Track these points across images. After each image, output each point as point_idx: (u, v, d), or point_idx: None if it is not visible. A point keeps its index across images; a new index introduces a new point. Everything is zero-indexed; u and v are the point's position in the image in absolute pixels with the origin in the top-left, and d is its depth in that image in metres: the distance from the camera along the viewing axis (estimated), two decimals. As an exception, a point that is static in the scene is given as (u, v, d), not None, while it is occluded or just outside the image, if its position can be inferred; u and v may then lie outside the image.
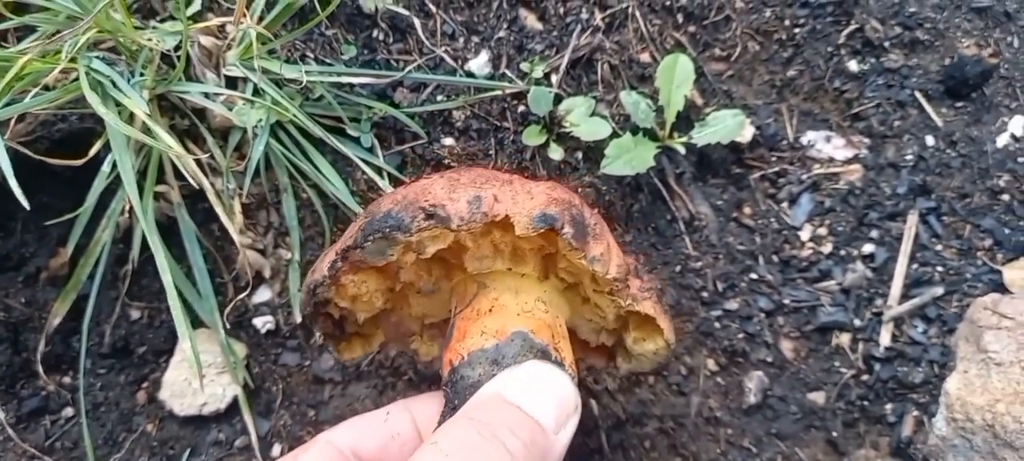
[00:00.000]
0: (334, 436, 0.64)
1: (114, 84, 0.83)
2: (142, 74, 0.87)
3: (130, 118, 0.85)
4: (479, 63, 1.01)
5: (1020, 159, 1.02)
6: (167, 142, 0.79)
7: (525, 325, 0.64)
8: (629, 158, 0.96)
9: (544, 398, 0.58)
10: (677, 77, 1.00)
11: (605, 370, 0.82)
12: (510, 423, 0.55)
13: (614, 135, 0.98)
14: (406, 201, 0.61)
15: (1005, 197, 1.00)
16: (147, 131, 0.83)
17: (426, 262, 0.69)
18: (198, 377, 0.80)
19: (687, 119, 1.03)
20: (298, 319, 0.94)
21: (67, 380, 0.95)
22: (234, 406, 0.92)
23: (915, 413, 0.92)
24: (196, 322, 0.92)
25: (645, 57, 1.04)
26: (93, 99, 0.79)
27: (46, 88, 0.86)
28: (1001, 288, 0.95)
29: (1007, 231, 0.98)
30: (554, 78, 1.01)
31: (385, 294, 0.71)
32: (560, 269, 0.69)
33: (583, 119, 0.98)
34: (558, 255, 0.67)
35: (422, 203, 0.60)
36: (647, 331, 0.72)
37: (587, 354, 0.82)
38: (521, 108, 1.00)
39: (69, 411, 0.94)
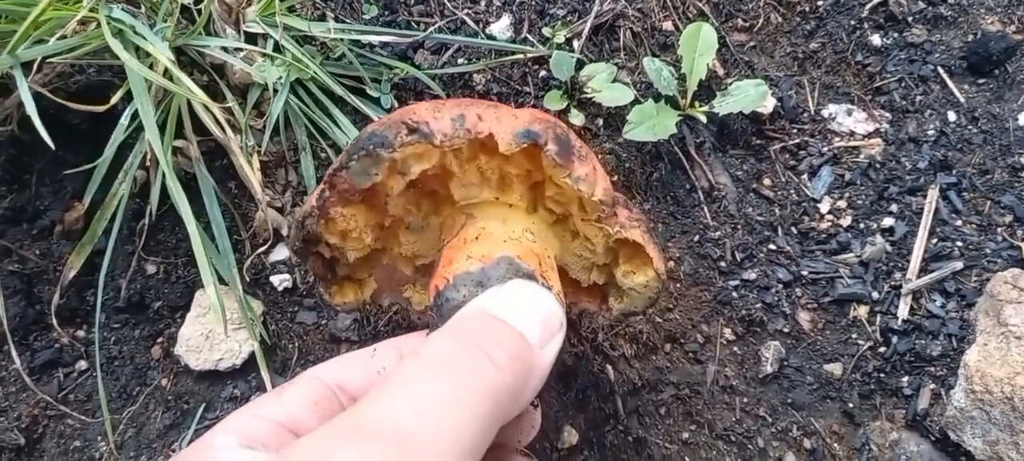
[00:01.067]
0: (320, 371, 0.63)
1: (136, 31, 0.83)
2: (164, 25, 0.86)
3: (151, 67, 0.84)
4: (501, 27, 1.00)
5: (1041, 137, 1.02)
6: (190, 87, 0.79)
7: (512, 250, 0.64)
8: (651, 125, 0.95)
9: (528, 314, 0.57)
10: (700, 46, 0.99)
11: (598, 313, 0.81)
12: (494, 335, 0.54)
13: (636, 102, 0.97)
14: (391, 120, 0.61)
15: (1026, 174, 1.00)
16: (170, 80, 0.82)
17: (414, 195, 0.69)
18: (223, 322, 0.79)
19: (709, 88, 1.02)
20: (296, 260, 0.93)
21: (81, 333, 0.94)
22: (250, 362, 0.92)
23: (932, 386, 0.92)
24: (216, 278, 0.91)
25: (668, 25, 1.03)
26: (115, 45, 0.78)
27: (65, 38, 0.85)
28: (1020, 263, 0.94)
29: (1027, 208, 0.98)
30: (576, 44, 1.00)
31: (375, 230, 0.70)
32: (548, 198, 0.68)
33: (605, 85, 0.97)
34: (546, 182, 0.67)
35: (406, 119, 0.60)
36: (637, 263, 0.71)
37: (579, 297, 0.81)
38: (542, 73, 0.99)
39: (83, 364, 0.93)
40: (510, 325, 0.56)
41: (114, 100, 0.83)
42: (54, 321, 0.92)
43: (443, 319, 0.59)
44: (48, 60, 0.86)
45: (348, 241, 0.70)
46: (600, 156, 0.99)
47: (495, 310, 0.57)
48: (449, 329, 0.55)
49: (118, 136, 0.90)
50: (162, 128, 0.89)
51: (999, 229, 0.97)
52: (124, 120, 0.89)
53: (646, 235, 0.68)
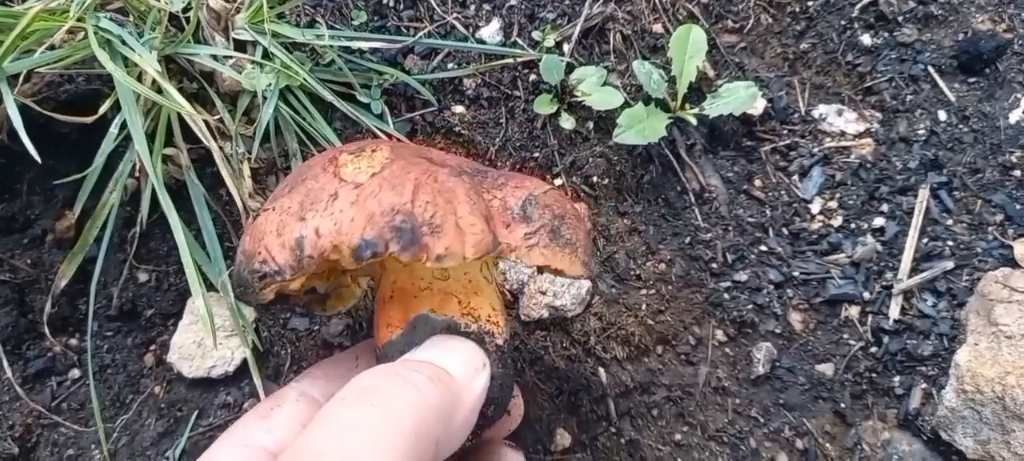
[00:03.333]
0: (307, 388, 0.64)
1: (123, 42, 0.82)
2: (152, 34, 0.86)
3: (139, 77, 0.84)
4: (490, 31, 1.00)
5: (1032, 135, 1.02)
6: (177, 100, 0.79)
7: (425, 305, 0.63)
8: (641, 128, 0.95)
9: (447, 354, 0.60)
10: (690, 48, 0.99)
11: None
12: (413, 366, 0.57)
13: (626, 105, 0.97)
14: (247, 253, 0.59)
15: (1017, 173, 1.00)
16: (157, 91, 0.82)
17: (326, 268, 0.65)
18: (211, 333, 0.79)
19: (699, 91, 1.02)
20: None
21: (74, 342, 0.94)
22: (243, 369, 0.92)
23: (923, 386, 0.92)
24: (205, 285, 0.91)
25: (658, 27, 1.03)
26: (102, 56, 0.78)
27: (53, 48, 0.85)
28: (1011, 263, 0.95)
29: (1018, 207, 0.98)
30: (566, 47, 1.00)
31: (320, 278, 0.70)
32: None
33: (595, 88, 0.97)
34: None
35: (256, 259, 0.57)
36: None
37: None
38: (532, 77, 0.99)
39: (76, 372, 0.93)
40: (427, 361, 0.59)
41: (102, 110, 0.83)
42: (46, 330, 0.92)
43: None
44: (36, 70, 0.86)
45: (301, 288, 0.69)
46: (590, 160, 0.99)
47: (414, 354, 0.61)
48: (373, 369, 0.58)
49: (108, 145, 0.89)
50: (152, 137, 0.89)
51: (990, 228, 0.98)
52: (114, 129, 0.89)
53: (548, 249, 0.63)
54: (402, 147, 0.65)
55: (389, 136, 0.96)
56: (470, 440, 0.64)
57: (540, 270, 0.77)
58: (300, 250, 0.56)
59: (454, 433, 0.57)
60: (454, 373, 0.59)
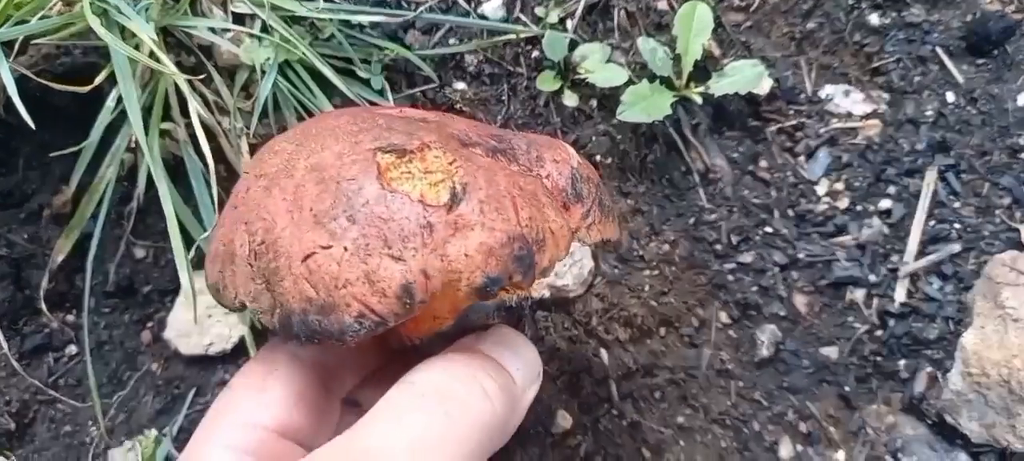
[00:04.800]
0: (296, 348, 0.62)
1: (119, 11, 0.81)
2: (147, 5, 0.85)
3: (136, 48, 0.83)
4: (493, 6, 0.99)
5: (1041, 118, 1.00)
6: (174, 71, 0.77)
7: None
8: (645, 106, 0.94)
9: (515, 357, 0.59)
10: (695, 26, 0.98)
11: None
12: (486, 369, 0.55)
13: (630, 83, 0.96)
14: (321, 301, 0.50)
15: (1025, 156, 0.99)
16: (154, 61, 0.81)
17: None
18: (193, 313, 0.78)
19: (704, 69, 1.01)
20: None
21: (71, 318, 0.93)
22: (240, 347, 0.91)
23: (929, 369, 0.91)
24: (203, 261, 0.90)
25: (663, 4, 1.02)
26: (97, 24, 0.77)
27: (47, 18, 0.84)
28: (1019, 246, 0.93)
29: (1026, 190, 0.97)
30: (569, 23, 0.99)
31: None
32: None
33: (599, 65, 0.96)
34: None
35: (346, 313, 0.49)
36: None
37: None
38: (535, 53, 0.98)
39: (73, 349, 0.93)
40: (498, 362, 0.57)
41: (97, 81, 0.82)
42: (43, 306, 0.91)
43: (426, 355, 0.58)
44: (33, 41, 0.85)
45: None
46: (593, 139, 0.97)
47: (485, 349, 0.58)
48: (442, 358, 0.56)
49: (104, 118, 0.88)
50: (148, 110, 0.88)
51: (998, 211, 0.96)
52: (110, 102, 0.88)
53: (602, 223, 0.61)
54: (426, 127, 0.59)
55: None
56: None
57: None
58: (409, 297, 0.49)
59: (506, 435, 0.57)
60: (516, 380, 0.58)
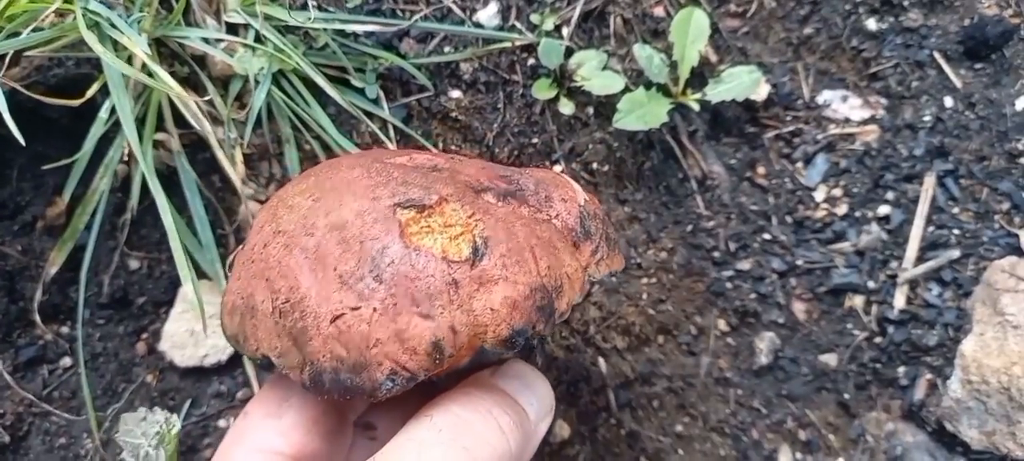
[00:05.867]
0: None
1: (112, 24, 0.81)
2: (141, 14, 0.84)
3: (129, 60, 0.82)
4: (488, 14, 0.98)
5: (1040, 122, 1.00)
6: (167, 82, 0.77)
7: None
8: (642, 113, 0.93)
9: (529, 392, 0.60)
10: (692, 32, 0.97)
11: None
12: (501, 404, 0.57)
13: (626, 90, 0.95)
14: (352, 361, 0.50)
15: (1023, 160, 0.98)
16: (147, 74, 0.81)
17: None
18: (201, 320, 0.78)
19: (701, 76, 1.00)
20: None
21: (65, 330, 0.93)
22: (236, 358, 0.91)
23: (928, 376, 0.90)
24: (197, 273, 0.89)
25: (659, 11, 1.01)
26: (90, 38, 0.76)
27: (39, 30, 0.83)
28: (1018, 251, 0.93)
29: (1025, 195, 0.96)
30: (565, 31, 0.98)
31: None
32: None
33: (595, 73, 0.95)
34: None
35: (378, 371, 0.50)
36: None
37: None
38: (531, 61, 0.97)
39: (67, 360, 0.92)
40: (513, 398, 0.58)
41: (90, 93, 0.82)
42: (37, 318, 0.91)
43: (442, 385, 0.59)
44: (25, 53, 0.84)
45: None
46: (590, 147, 0.97)
47: (501, 384, 0.59)
48: (458, 392, 0.57)
49: (97, 130, 0.88)
50: (142, 121, 0.87)
51: (996, 216, 0.96)
52: (103, 113, 0.87)
53: (609, 257, 0.63)
54: (440, 178, 0.60)
55: (384, 123, 0.95)
56: None
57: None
58: (439, 354, 0.51)
59: None
60: (530, 415, 0.59)
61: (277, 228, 0.58)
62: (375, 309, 0.51)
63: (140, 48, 0.77)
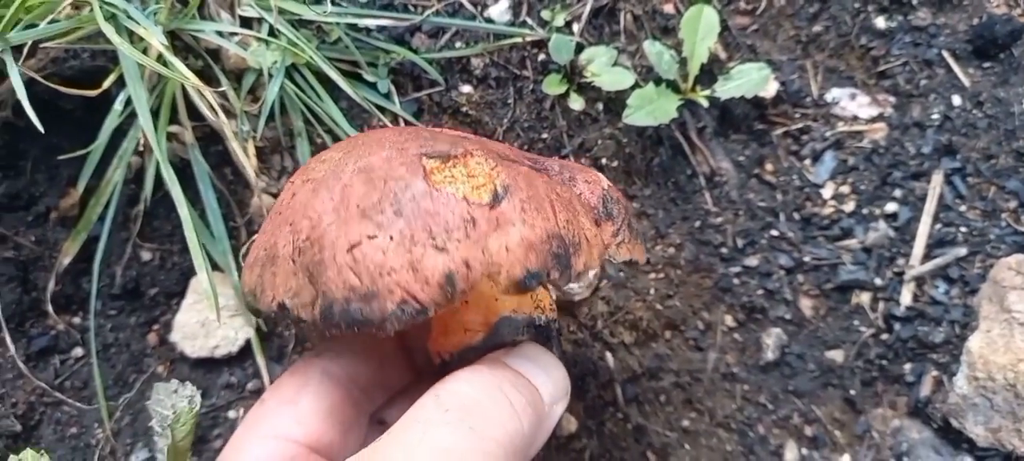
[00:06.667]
0: (329, 365, 0.62)
1: (128, 16, 0.81)
2: (157, 6, 0.85)
3: (145, 52, 0.83)
4: (499, 9, 0.99)
5: (1048, 121, 1.00)
6: (183, 72, 0.78)
7: (507, 307, 0.62)
8: (652, 109, 0.94)
9: (543, 373, 0.59)
10: (701, 29, 0.98)
11: None
12: (513, 382, 0.55)
13: (636, 86, 0.96)
14: (365, 289, 0.50)
15: (1031, 159, 0.98)
16: (163, 65, 0.81)
17: None
18: (215, 310, 0.78)
19: (710, 73, 1.01)
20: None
21: (77, 320, 0.94)
22: (246, 350, 0.91)
23: (934, 373, 0.91)
24: (210, 265, 0.90)
25: (669, 8, 1.02)
26: (107, 29, 0.77)
27: (56, 21, 0.84)
28: (1025, 250, 0.93)
29: (1032, 193, 0.97)
30: (576, 27, 0.99)
31: None
32: None
33: (605, 69, 0.96)
34: None
35: (389, 301, 0.50)
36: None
37: None
38: (541, 57, 0.98)
39: (79, 351, 0.93)
40: (526, 377, 0.56)
41: (106, 84, 0.82)
42: (50, 308, 0.91)
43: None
44: (41, 45, 0.85)
45: None
46: (599, 142, 0.97)
47: (512, 363, 0.58)
48: (468, 371, 0.55)
49: (112, 121, 0.89)
50: (156, 114, 0.88)
51: (1004, 214, 0.96)
52: (118, 105, 0.88)
53: (632, 243, 0.63)
54: (467, 141, 0.61)
55: (396, 116, 0.95)
56: None
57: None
58: (451, 287, 0.50)
59: (531, 453, 0.56)
60: (544, 396, 0.57)
61: (307, 177, 0.59)
62: (392, 238, 0.51)
63: (157, 39, 0.78)
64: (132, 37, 0.83)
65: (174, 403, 0.64)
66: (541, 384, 0.57)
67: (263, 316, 0.60)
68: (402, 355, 0.68)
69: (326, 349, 0.65)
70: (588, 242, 0.57)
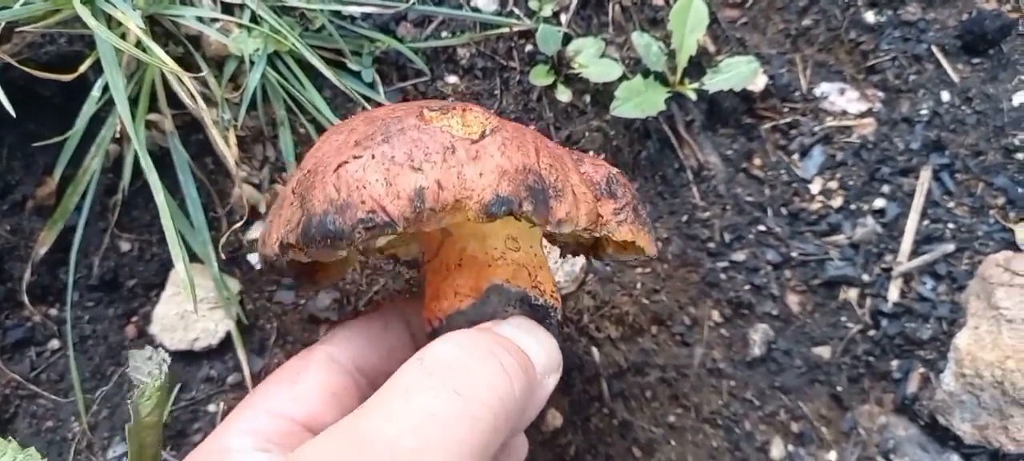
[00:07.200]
0: (335, 351, 0.61)
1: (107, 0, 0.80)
2: (135, -7, 0.83)
3: (123, 37, 0.81)
4: (486, -1, 0.97)
5: (1036, 118, 1.00)
6: (161, 58, 0.76)
7: (499, 275, 0.61)
8: (639, 101, 0.93)
9: (534, 342, 0.57)
10: (690, 21, 0.97)
11: (593, 256, 0.78)
12: (504, 345, 0.53)
13: (624, 78, 0.95)
14: (341, 201, 0.53)
15: (1019, 155, 0.98)
16: (141, 50, 0.79)
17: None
18: (193, 302, 0.77)
19: (699, 65, 1.00)
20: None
21: (54, 311, 0.92)
22: (227, 342, 0.90)
23: (921, 370, 0.90)
24: (189, 256, 0.88)
25: (658, 0, 1.01)
26: (83, 12, 0.75)
27: (30, 3, 0.82)
28: (1013, 246, 0.93)
29: (1020, 190, 0.96)
30: (563, 17, 0.97)
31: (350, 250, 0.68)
32: None
33: (593, 60, 0.95)
34: None
35: (358, 207, 0.52)
36: (626, 244, 0.67)
37: (568, 245, 0.78)
38: (528, 47, 0.97)
39: (55, 343, 0.91)
40: (516, 344, 0.55)
41: (82, 70, 0.80)
42: (26, 299, 0.89)
43: None
44: (17, 29, 0.83)
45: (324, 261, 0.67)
46: (586, 134, 0.96)
47: (501, 330, 0.56)
48: (455, 336, 0.53)
49: (89, 108, 0.87)
50: (135, 101, 0.86)
51: (992, 211, 0.96)
52: (95, 92, 0.86)
53: (635, 226, 0.64)
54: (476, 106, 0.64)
55: (379, 105, 0.94)
56: None
57: (601, 253, 0.74)
58: (420, 201, 0.52)
59: (520, 428, 0.54)
60: (536, 365, 0.55)
61: (328, 134, 0.63)
62: (374, 156, 0.54)
63: (134, 23, 0.77)
64: (110, 22, 0.81)
65: (150, 369, 0.63)
66: (532, 352, 0.55)
67: (271, 265, 0.60)
68: (410, 345, 0.67)
69: (334, 336, 0.65)
70: (575, 195, 0.57)
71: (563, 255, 0.81)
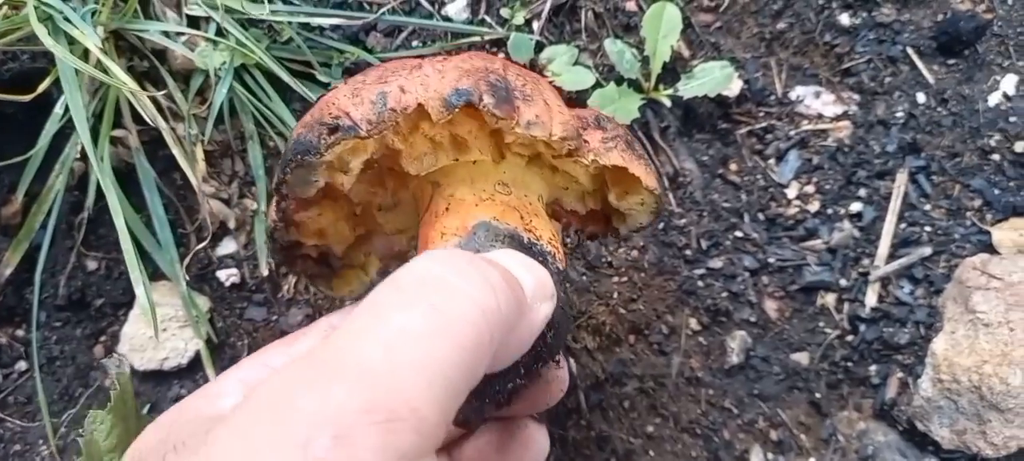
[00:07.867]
0: (338, 321, 0.60)
1: (66, 18, 0.78)
2: (95, 9, 0.82)
3: (84, 54, 0.80)
4: (457, 7, 0.96)
5: (1012, 118, 0.99)
6: (121, 78, 0.75)
7: (487, 214, 0.58)
8: (614, 109, 0.92)
9: (521, 268, 0.50)
10: (663, 27, 0.96)
11: (608, 234, 0.76)
12: (488, 262, 0.47)
13: (597, 85, 0.94)
14: (312, 119, 0.56)
15: (995, 157, 0.98)
16: (102, 69, 0.78)
17: (373, 177, 0.63)
18: (153, 328, 0.75)
19: (673, 71, 0.99)
20: (265, 272, 0.90)
21: (20, 333, 0.90)
22: (197, 361, 0.88)
23: (900, 375, 0.90)
24: (156, 274, 0.87)
25: (631, 5, 1.00)
26: (41, 31, 0.74)
27: (-8, 22, 0.80)
28: (990, 249, 0.93)
29: (997, 192, 0.96)
30: (535, 25, 0.96)
31: (349, 221, 0.66)
32: (512, 144, 0.61)
33: (565, 68, 0.94)
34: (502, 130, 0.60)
35: (325, 117, 0.55)
36: (627, 184, 0.65)
37: (584, 224, 0.76)
38: (501, 56, 0.96)
39: (22, 365, 0.89)
40: (503, 265, 0.48)
41: (41, 88, 0.79)
42: (-9, 321, 0.88)
43: None
44: (-23, 47, 0.82)
45: (328, 237, 0.66)
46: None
47: (487, 255, 0.51)
48: (431, 252, 0.47)
49: (52, 126, 0.85)
50: (100, 116, 0.85)
51: (968, 213, 0.95)
52: (58, 109, 0.85)
53: (627, 154, 0.61)
54: None
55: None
56: (523, 378, 0.56)
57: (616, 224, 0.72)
58: (382, 103, 0.53)
59: (510, 349, 0.47)
60: (525, 287, 0.48)
61: None
62: (355, 86, 0.56)
63: (93, 42, 0.75)
64: (71, 40, 0.79)
65: (117, 376, 0.63)
66: (520, 275, 0.49)
67: (282, 248, 0.61)
68: None
69: (337, 312, 0.63)
70: (548, 107, 0.57)
71: (580, 241, 0.80)
